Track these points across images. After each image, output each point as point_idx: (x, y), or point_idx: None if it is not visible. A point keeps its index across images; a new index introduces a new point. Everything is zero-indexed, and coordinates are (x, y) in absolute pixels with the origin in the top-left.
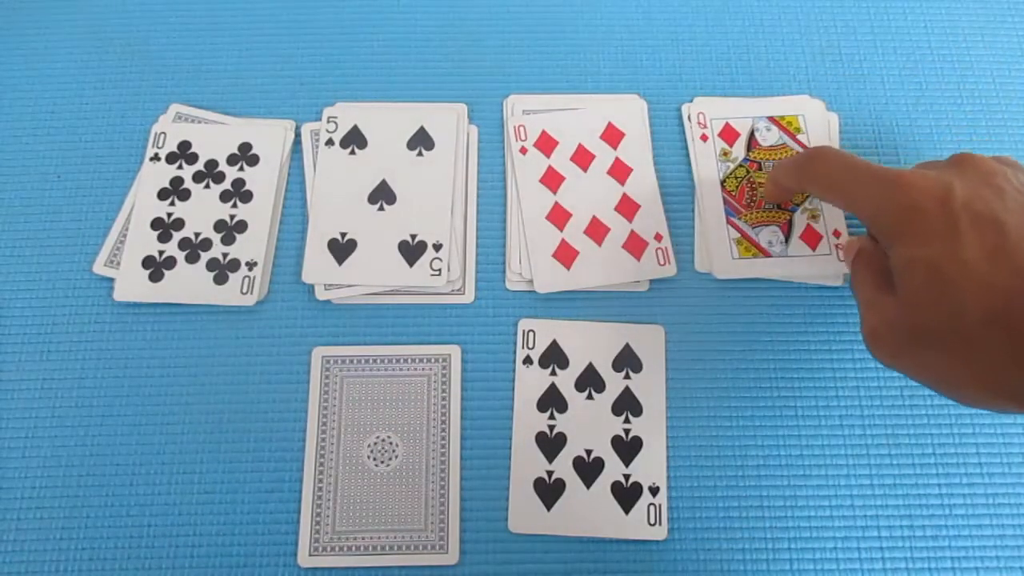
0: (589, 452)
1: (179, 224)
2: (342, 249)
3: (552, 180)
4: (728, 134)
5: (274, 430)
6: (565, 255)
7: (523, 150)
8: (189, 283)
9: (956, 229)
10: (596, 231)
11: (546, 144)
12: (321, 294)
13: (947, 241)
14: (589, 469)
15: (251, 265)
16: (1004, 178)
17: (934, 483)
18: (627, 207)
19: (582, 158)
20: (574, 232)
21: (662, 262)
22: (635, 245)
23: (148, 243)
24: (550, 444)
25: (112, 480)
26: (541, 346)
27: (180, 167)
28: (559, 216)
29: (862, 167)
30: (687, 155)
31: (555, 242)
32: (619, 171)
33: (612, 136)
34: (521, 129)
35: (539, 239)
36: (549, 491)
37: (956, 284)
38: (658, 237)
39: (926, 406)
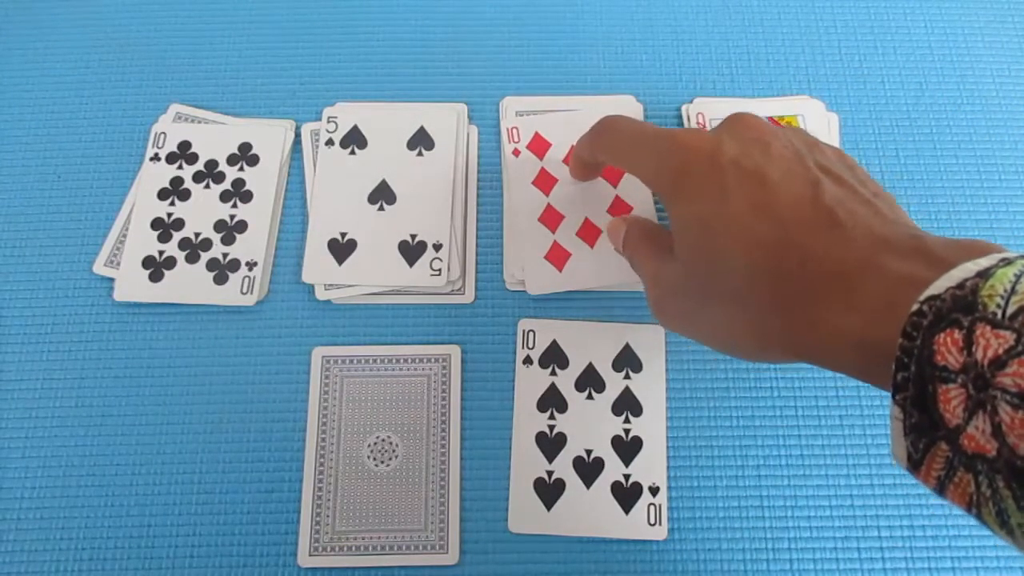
0: (589, 452)
1: (179, 224)
2: (342, 249)
3: (544, 182)
4: None
5: (274, 430)
6: (557, 257)
7: (516, 152)
8: (189, 283)
9: (724, 185)
10: (588, 233)
11: (539, 146)
12: (321, 294)
13: (716, 197)
14: (589, 469)
15: (251, 265)
16: (772, 135)
17: None
18: (620, 209)
19: None
20: (566, 234)
21: None
22: None
23: (148, 243)
24: (550, 444)
25: (112, 480)
26: (541, 346)
27: (180, 167)
28: (551, 218)
29: (647, 131)
30: None
31: (547, 244)
32: (612, 173)
33: None
34: (514, 131)
35: (531, 241)
36: (549, 491)
37: (724, 238)
38: None
39: None
